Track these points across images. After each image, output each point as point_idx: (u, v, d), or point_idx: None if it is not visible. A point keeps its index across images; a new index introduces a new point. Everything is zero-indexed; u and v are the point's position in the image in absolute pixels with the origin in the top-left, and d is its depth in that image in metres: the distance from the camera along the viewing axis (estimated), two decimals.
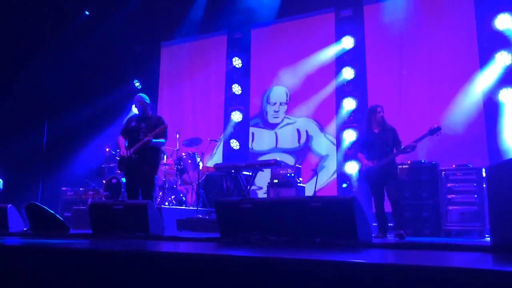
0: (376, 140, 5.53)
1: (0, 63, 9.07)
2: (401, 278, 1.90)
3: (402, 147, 5.45)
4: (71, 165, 9.85)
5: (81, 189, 8.73)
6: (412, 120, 7.61)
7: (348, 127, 8.56)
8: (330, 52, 8.97)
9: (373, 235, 5.31)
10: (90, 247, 3.22)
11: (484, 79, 7.42)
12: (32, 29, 9.39)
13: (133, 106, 10.43)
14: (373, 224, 5.84)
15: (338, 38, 8.93)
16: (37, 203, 5.02)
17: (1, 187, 10.12)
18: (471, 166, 6.21)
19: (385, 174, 5.40)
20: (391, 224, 5.54)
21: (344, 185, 8.18)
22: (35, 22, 9.37)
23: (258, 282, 2.25)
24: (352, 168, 8.23)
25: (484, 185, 5.80)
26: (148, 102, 5.89)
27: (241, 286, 2.29)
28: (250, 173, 6.88)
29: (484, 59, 7.47)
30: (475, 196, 5.95)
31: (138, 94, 6.01)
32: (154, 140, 5.54)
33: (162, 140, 5.69)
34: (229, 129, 9.97)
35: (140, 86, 10.88)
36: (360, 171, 5.78)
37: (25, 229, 5.11)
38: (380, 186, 5.49)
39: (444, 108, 7.55)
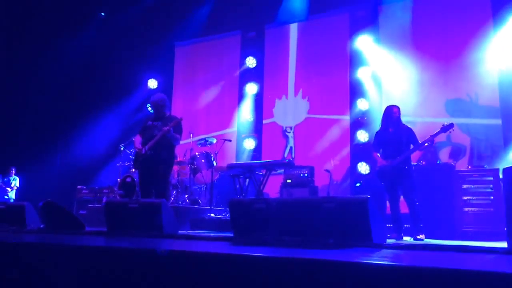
0: (391, 139, 5.52)
1: (17, 60, 9.24)
2: (415, 280, 1.89)
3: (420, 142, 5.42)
4: (86, 164, 9.98)
5: (96, 187, 8.82)
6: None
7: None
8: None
9: (388, 235, 5.30)
10: (105, 244, 3.26)
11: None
12: (48, 28, 9.53)
13: (148, 105, 10.53)
14: (388, 225, 5.81)
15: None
16: (53, 201, 5.09)
17: (18, 185, 10.31)
18: (487, 167, 6.13)
19: (399, 173, 5.35)
20: (407, 225, 5.49)
21: (358, 184, 8.14)
22: (51, 22, 9.51)
23: (271, 282, 2.25)
24: (364, 168, 8.23)
25: (501, 187, 5.71)
26: (163, 102, 5.92)
27: (254, 286, 2.30)
28: (264, 173, 6.88)
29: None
30: (491, 198, 5.87)
31: (154, 95, 6.08)
32: (172, 133, 5.58)
33: (177, 135, 5.73)
34: (242, 128, 9.99)
35: (156, 86, 10.94)
36: (374, 170, 5.75)
37: (41, 226, 5.19)
38: (394, 186, 5.45)
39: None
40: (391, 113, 5.59)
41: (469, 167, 6.38)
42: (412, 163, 5.65)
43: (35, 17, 9.44)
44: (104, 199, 7.83)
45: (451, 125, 5.31)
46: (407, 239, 5.25)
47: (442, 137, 7.43)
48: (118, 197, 7.82)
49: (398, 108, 5.63)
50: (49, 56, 9.70)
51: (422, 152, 5.61)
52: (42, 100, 9.62)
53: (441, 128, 5.34)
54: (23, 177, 10.12)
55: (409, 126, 5.58)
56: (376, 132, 5.78)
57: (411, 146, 5.46)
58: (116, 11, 10.12)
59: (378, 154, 5.63)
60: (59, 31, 9.64)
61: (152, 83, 10.97)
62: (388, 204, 5.69)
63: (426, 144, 5.36)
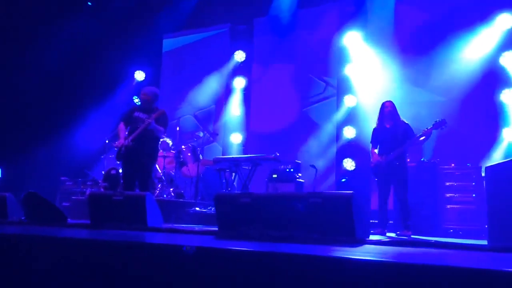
0: (387, 135, 5.56)
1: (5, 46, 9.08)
2: (397, 276, 1.91)
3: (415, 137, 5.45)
4: (70, 155, 9.86)
5: (80, 179, 8.73)
6: None
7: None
8: None
9: (372, 231, 5.35)
10: (88, 237, 3.23)
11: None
12: (33, 17, 9.36)
13: (134, 97, 10.43)
14: (371, 221, 5.86)
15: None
16: (35, 192, 5.02)
17: (0, 175, 10.14)
18: (470, 165, 6.22)
19: (393, 169, 5.38)
20: (391, 222, 5.55)
21: (343, 180, 8.20)
22: (36, 11, 9.35)
23: (255, 276, 2.26)
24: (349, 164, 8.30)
25: (483, 185, 5.81)
26: (155, 96, 5.89)
27: (238, 280, 2.30)
28: (250, 167, 6.88)
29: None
30: (474, 195, 5.96)
31: (147, 87, 6.04)
32: (154, 125, 5.54)
33: (161, 127, 5.69)
34: (230, 123, 9.97)
35: (144, 79, 10.84)
36: (370, 166, 5.76)
37: (22, 218, 5.11)
38: (387, 182, 5.48)
39: None
40: (383, 108, 5.64)
41: (453, 164, 6.46)
42: (407, 160, 5.63)
43: (20, 7, 9.26)
44: (88, 191, 7.76)
45: (443, 121, 5.35)
46: (391, 235, 5.30)
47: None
48: (102, 190, 7.76)
49: (390, 102, 5.66)
50: (33, 47, 9.53)
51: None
52: (26, 90, 9.45)
53: (434, 125, 5.38)
54: (5, 168, 9.96)
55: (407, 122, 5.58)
56: (373, 129, 5.81)
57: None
58: (103, 1, 9.98)
59: (376, 151, 5.66)
60: (44, 20, 9.47)
61: (139, 75, 10.86)
62: (372, 200, 5.72)
63: (422, 138, 5.38)
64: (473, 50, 7.47)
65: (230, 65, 10.15)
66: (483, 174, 5.83)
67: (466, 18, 7.74)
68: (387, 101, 5.72)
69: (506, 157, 6.66)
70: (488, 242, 3.62)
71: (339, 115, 8.78)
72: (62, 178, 8.86)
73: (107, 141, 8.77)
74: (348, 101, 8.64)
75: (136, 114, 5.80)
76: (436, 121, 5.36)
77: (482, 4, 7.70)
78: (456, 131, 7.47)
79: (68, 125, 9.94)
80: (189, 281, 2.44)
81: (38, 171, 9.77)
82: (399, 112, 5.68)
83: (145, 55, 10.88)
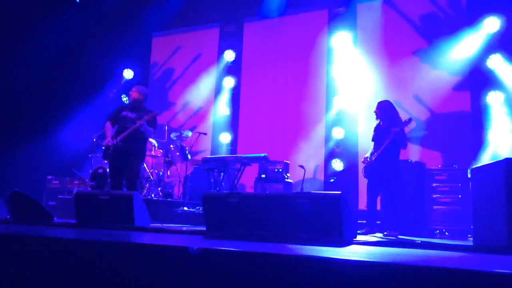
0: (377, 134, 5.60)
1: None
2: (383, 276, 1.92)
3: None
4: (57, 154, 9.75)
5: (66, 178, 8.64)
6: None
7: None
8: None
9: (362, 231, 5.39)
10: (74, 236, 3.20)
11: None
12: (20, 14, 9.25)
13: (123, 95, 10.36)
14: (359, 221, 5.90)
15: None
16: (21, 191, 4.96)
17: None
18: (456, 166, 6.29)
19: (378, 169, 5.41)
20: (378, 222, 5.58)
21: (332, 180, 8.23)
22: (23, 8, 9.23)
23: (242, 276, 2.26)
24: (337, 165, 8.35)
25: (469, 186, 5.88)
26: (143, 95, 5.86)
27: (225, 280, 2.30)
28: (238, 167, 6.88)
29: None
30: (460, 196, 6.03)
31: (136, 86, 6.00)
32: (146, 126, 5.52)
33: (151, 128, 5.67)
34: (219, 122, 9.95)
35: (132, 77, 10.77)
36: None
37: (7, 217, 5.06)
38: (375, 183, 5.51)
39: None
40: (377, 108, 5.67)
41: (439, 166, 6.53)
42: (395, 159, 5.55)
43: (6, 3, 9.12)
44: (75, 190, 7.69)
45: (410, 120, 5.42)
46: (378, 235, 5.34)
47: (415, 134, 7.65)
48: (89, 189, 7.70)
49: (379, 104, 5.68)
50: (20, 44, 9.40)
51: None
52: (13, 88, 9.32)
53: (403, 122, 5.45)
54: None
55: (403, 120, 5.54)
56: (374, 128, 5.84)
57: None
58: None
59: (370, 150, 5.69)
60: (31, 17, 9.36)
61: (128, 74, 10.79)
62: (361, 200, 5.75)
63: (391, 140, 5.41)
64: (460, 52, 7.55)
65: (220, 64, 10.13)
66: (469, 176, 5.91)
67: (453, 21, 7.83)
68: (381, 101, 5.74)
69: (492, 159, 6.75)
70: (473, 243, 3.66)
71: (328, 116, 8.81)
72: (49, 177, 8.76)
73: (94, 140, 8.70)
74: (337, 102, 8.67)
75: (124, 113, 5.76)
76: (405, 120, 5.42)
77: (468, 7, 7.80)
78: (442, 132, 7.58)
79: (55, 123, 9.82)
80: (177, 281, 2.43)
81: (24, 169, 9.65)
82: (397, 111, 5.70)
83: (134, 53, 10.80)
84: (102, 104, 10.19)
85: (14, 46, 9.41)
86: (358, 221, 6.01)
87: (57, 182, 8.61)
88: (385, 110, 5.63)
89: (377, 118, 5.69)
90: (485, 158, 6.98)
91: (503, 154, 6.88)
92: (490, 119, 7.26)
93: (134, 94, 5.84)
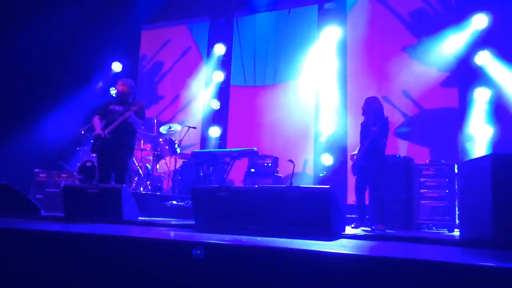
0: (363, 131, 5.64)
1: None
2: (372, 270, 1.94)
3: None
4: (45, 147, 9.65)
5: (54, 171, 8.55)
6: None
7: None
8: None
9: (353, 225, 5.44)
10: (61, 229, 3.18)
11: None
12: (7, 5, 9.10)
13: (111, 88, 10.27)
14: (348, 215, 5.94)
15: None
16: (8, 184, 4.91)
17: None
18: (444, 162, 6.35)
19: (365, 165, 5.46)
20: (368, 217, 5.63)
21: (321, 175, 8.27)
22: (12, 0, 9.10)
23: (231, 269, 2.26)
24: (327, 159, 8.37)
25: (456, 181, 5.96)
26: (131, 89, 5.82)
27: (214, 273, 2.30)
28: (228, 161, 6.87)
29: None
30: (447, 191, 6.09)
31: (123, 79, 5.94)
32: (133, 117, 5.48)
33: (139, 120, 5.63)
34: (208, 116, 9.92)
35: (121, 70, 10.68)
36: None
37: None
38: (363, 178, 5.56)
39: None
40: (364, 104, 5.70)
41: (427, 161, 6.59)
42: (380, 155, 5.62)
43: None
44: (63, 184, 7.62)
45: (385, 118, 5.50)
46: (366, 229, 5.38)
47: (403, 130, 7.71)
48: (77, 182, 7.63)
49: (367, 100, 5.70)
50: (6, 36, 9.27)
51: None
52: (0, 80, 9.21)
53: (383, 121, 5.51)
54: None
55: (388, 119, 5.57)
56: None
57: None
58: None
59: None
60: (18, 10, 9.22)
61: (116, 66, 10.69)
62: (350, 194, 5.80)
63: (373, 136, 5.45)
64: (448, 48, 7.62)
65: (210, 58, 10.09)
66: (456, 171, 5.98)
67: (442, 17, 7.89)
68: (368, 97, 5.77)
69: (479, 154, 6.84)
70: (459, 237, 3.71)
71: (318, 110, 8.82)
72: (36, 170, 8.67)
73: (82, 132, 8.62)
74: (326, 97, 8.69)
75: (111, 107, 5.72)
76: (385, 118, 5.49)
77: (457, 4, 7.85)
78: (430, 128, 7.64)
79: (42, 116, 9.71)
80: (165, 274, 2.43)
81: (11, 162, 9.54)
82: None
83: (122, 46, 10.69)
84: (90, 97, 10.10)
85: (0, 39, 9.28)
86: (348, 216, 6.06)
87: (45, 175, 8.52)
88: (371, 106, 5.65)
89: (363, 114, 5.71)
90: (472, 154, 7.07)
91: (488, 149, 6.99)
92: (477, 114, 7.34)
93: (120, 87, 5.79)
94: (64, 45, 9.77)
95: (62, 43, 9.68)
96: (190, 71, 10.25)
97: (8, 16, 9.20)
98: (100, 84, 10.19)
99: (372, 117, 5.57)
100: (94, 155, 5.85)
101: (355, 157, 5.64)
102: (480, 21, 7.44)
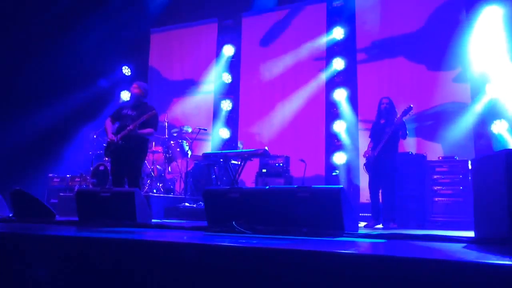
0: (378, 130, 5.64)
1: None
2: (385, 269, 1.92)
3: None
4: (58, 152, 9.75)
5: (68, 175, 8.65)
6: None
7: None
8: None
9: (365, 223, 5.43)
10: (76, 234, 3.21)
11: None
12: (15, 7, 9.21)
13: (122, 92, 10.35)
14: (360, 214, 5.92)
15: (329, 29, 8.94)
16: (22, 189, 4.97)
17: None
18: (457, 158, 6.29)
19: (380, 164, 5.46)
20: (381, 215, 5.61)
21: (334, 173, 8.24)
22: (21, 10, 9.21)
23: (244, 272, 2.26)
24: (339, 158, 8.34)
25: (469, 178, 5.89)
26: (144, 91, 5.85)
27: (227, 276, 2.30)
28: (239, 162, 6.88)
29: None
30: (461, 188, 6.03)
31: (136, 81, 5.99)
32: (139, 131, 5.50)
33: (150, 129, 5.64)
34: (219, 117, 9.95)
35: (130, 73, 10.75)
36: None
37: (10, 215, 5.06)
38: (377, 177, 5.55)
39: None
40: (380, 104, 5.75)
41: (440, 157, 6.53)
42: (393, 153, 5.63)
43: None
44: (76, 188, 7.70)
45: (409, 108, 5.49)
46: (380, 227, 5.36)
47: (415, 126, 7.65)
48: (90, 186, 7.70)
49: (387, 99, 5.76)
50: (18, 45, 9.38)
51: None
52: (12, 87, 9.31)
53: (402, 112, 5.50)
54: None
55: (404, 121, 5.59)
56: (372, 123, 5.91)
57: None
58: None
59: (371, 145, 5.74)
60: (26, 10, 9.31)
61: (126, 70, 10.77)
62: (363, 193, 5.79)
63: (392, 131, 5.46)
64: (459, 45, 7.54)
65: (219, 59, 10.11)
66: (470, 167, 5.91)
67: (454, 13, 7.81)
68: (384, 98, 5.81)
69: (494, 150, 6.75)
70: (474, 234, 3.66)
71: (328, 109, 8.79)
72: (50, 174, 8.77)
73: (95, 136, 8.70)
74: (338, 96, 8.65)
75: (124, 111, 5.75)
76: (404, 109, 5.46)
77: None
78: (443, 124, 7.56)
79: (53, 119, 9.78)
80: (179, 277, 2.43)
81: (25, 168, 9.65)
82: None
83: (132, 49, 10.77)
84: (101, 102, 10.18)
85: (5, 43, 9.37)
86: (360, 214, 6.03)
87: (58, 180, 8.61)
88: (392, 105, 5.73)
89: (379, 113, 5.71)
90: (486, 149, 6.98)
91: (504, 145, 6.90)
92: (489, 110, 7.25)
93: (135, 90, 5.82)
94: (74, 47, 9.82)
95: (73, 44, 9.73)
96: (199, 72, 10.28)
97: (15, 17, 9.29)
98: (124, 94, 10.26)
99: (393, 118, 5.60)
100: (107, 159, 5.89)
101: (367, 154, 5.64)
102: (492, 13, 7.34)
